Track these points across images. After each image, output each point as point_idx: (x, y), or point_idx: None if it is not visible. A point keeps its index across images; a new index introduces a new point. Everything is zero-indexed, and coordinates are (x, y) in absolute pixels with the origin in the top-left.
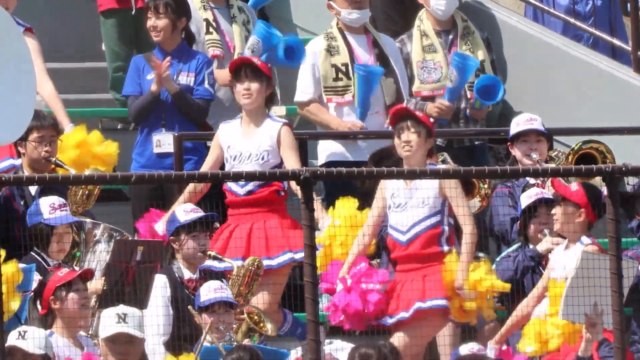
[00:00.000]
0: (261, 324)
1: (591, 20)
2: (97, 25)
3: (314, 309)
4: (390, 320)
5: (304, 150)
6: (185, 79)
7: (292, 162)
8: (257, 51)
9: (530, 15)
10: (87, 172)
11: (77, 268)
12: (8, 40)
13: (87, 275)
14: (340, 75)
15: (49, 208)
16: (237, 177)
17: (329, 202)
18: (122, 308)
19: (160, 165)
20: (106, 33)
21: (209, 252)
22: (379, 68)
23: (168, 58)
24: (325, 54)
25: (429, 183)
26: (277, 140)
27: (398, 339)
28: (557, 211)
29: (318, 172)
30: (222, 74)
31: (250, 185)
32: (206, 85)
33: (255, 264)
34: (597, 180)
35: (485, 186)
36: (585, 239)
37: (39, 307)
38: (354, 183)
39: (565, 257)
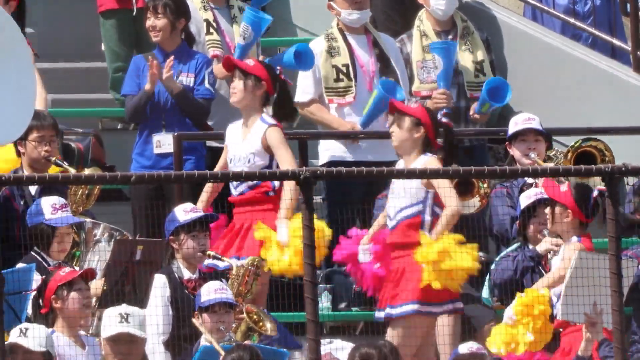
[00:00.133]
0: (260, 324)
1: (590, 20)
2: (97, 25)
3: (314, 309)
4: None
5: (304, 150)
6: (185, 79)
7: (285, 161)
8: (249, 37)
9: (529, 14)
10: (86, 172)
11: (77, 268)
12: (8, 40)
13: (89, 275)
14: (341, 76)
15: (51, 208)
16: (236, 177)
17: (329, 202)
18: (124, 308)
19: (160, 165)
20: (106, 33)
21: (208, 252)
22: (401, 92)
23: (171, 57)
24: (325, 55)
25: None
26: (263, 143)
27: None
28: (548, 211)
29: (318, 172)
30: (221, 69)
31: (243, 187)
32: (206, 85)
33: (255, 263)
34: (597, 180)
35: (485, 185)
36: (574, 239)
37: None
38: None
39: (557, 256)
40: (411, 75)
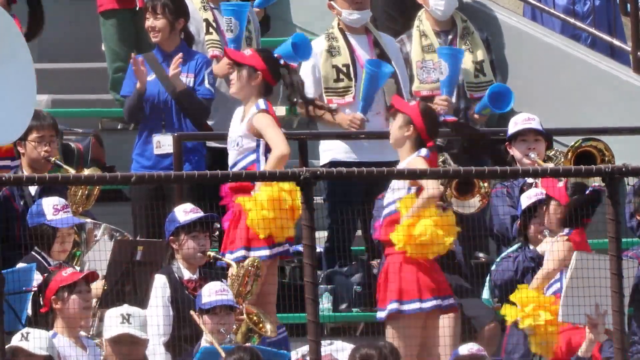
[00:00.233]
0: (260, 325)
1: (589, 20)
2: (97, 25)
3: (314, 309)
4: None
5: (304, 150)
6: (185, 79)
7: (273, 141)
8: (235, 28)
9: (529, 14)
10: (86, 172)
11: (77, 267)
12: (8, 40)
13: (91, 277)
14: (341, 76)
15: (52, 209)
16: (236, 177)
17: (330, 202)
18: (126, 308)
19: (160, 166)
20: (106, 33)
21: (208, 253)
22: (390, 68)
23: (180, 55)
24: (326, 55)
25: None
26: (250, 126)
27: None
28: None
29: (318, 172)
30: (219, 67)
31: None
32: (206, 85)
33: (255, 264)
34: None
35: (485, 184)
36: (565, 230)
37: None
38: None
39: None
40: (411, 75)
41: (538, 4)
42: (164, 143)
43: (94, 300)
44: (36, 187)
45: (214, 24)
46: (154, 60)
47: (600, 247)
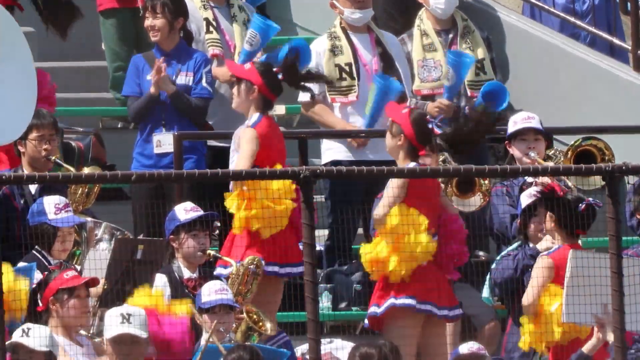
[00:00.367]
0: (260, 323)
1: (589, 18)
2: (97, 24)
3: (314, 307)
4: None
5: (304, 150)
6: (184, 78)
7: (239, 157)
8: (256, 44)
9: (528, 13)
10: (86, 171)
11: (77, 266)
12: (8, 39)
13: (92, 283)
14: (344, 75)
15: (54, 208)
16: (236, 176)
17: (330, 202)
18: (126, 308)
19: (160, 165)
20: (106, 33)
21: (208, 251)
22: (398, 84)
23: (160, 59)
24: (329, 54)
25: None
26: (236, 141)
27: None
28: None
29: (318, 171)
30: (222, 71)
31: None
32: (204, 83)
33: (255, 263)
34: (597, 179)
35: (486, 182)
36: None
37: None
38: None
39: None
40: (411, 74)
41: (537, 3)
42: (164, 142)
43: (94, 300)
44: (36, 185)
45: (214, 23)
46: (154, 60)
47: (600, 246)
